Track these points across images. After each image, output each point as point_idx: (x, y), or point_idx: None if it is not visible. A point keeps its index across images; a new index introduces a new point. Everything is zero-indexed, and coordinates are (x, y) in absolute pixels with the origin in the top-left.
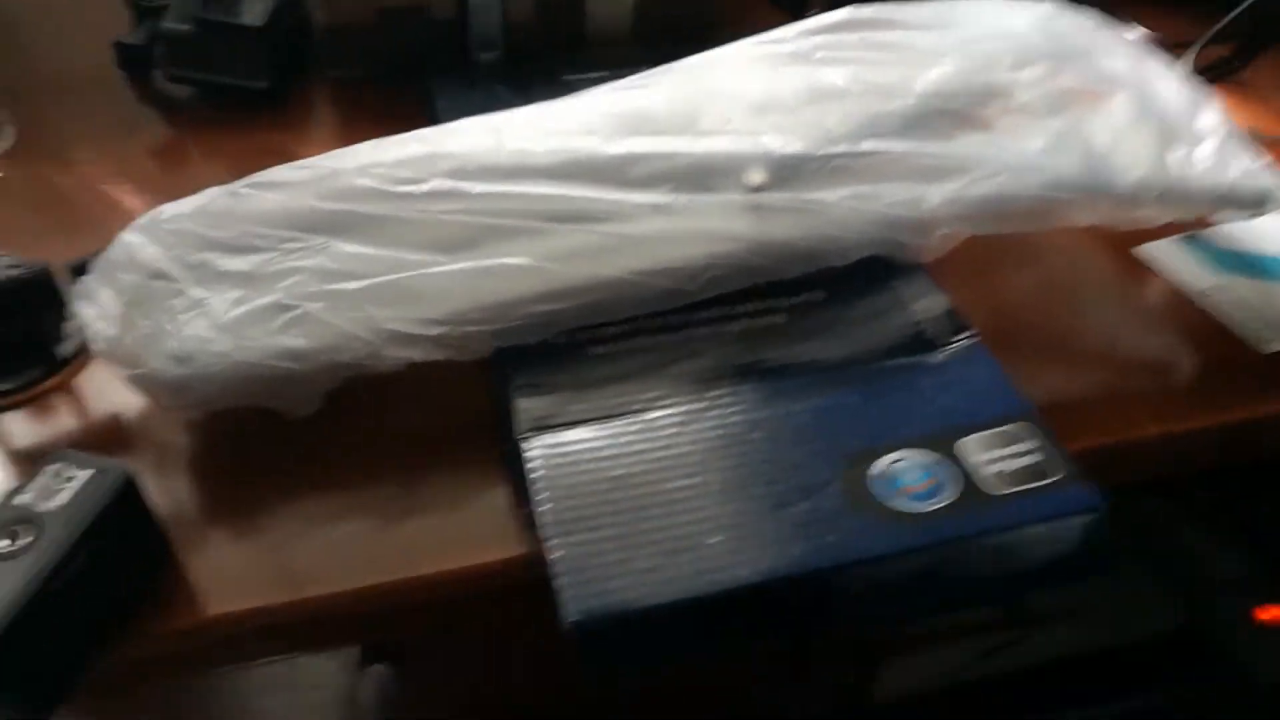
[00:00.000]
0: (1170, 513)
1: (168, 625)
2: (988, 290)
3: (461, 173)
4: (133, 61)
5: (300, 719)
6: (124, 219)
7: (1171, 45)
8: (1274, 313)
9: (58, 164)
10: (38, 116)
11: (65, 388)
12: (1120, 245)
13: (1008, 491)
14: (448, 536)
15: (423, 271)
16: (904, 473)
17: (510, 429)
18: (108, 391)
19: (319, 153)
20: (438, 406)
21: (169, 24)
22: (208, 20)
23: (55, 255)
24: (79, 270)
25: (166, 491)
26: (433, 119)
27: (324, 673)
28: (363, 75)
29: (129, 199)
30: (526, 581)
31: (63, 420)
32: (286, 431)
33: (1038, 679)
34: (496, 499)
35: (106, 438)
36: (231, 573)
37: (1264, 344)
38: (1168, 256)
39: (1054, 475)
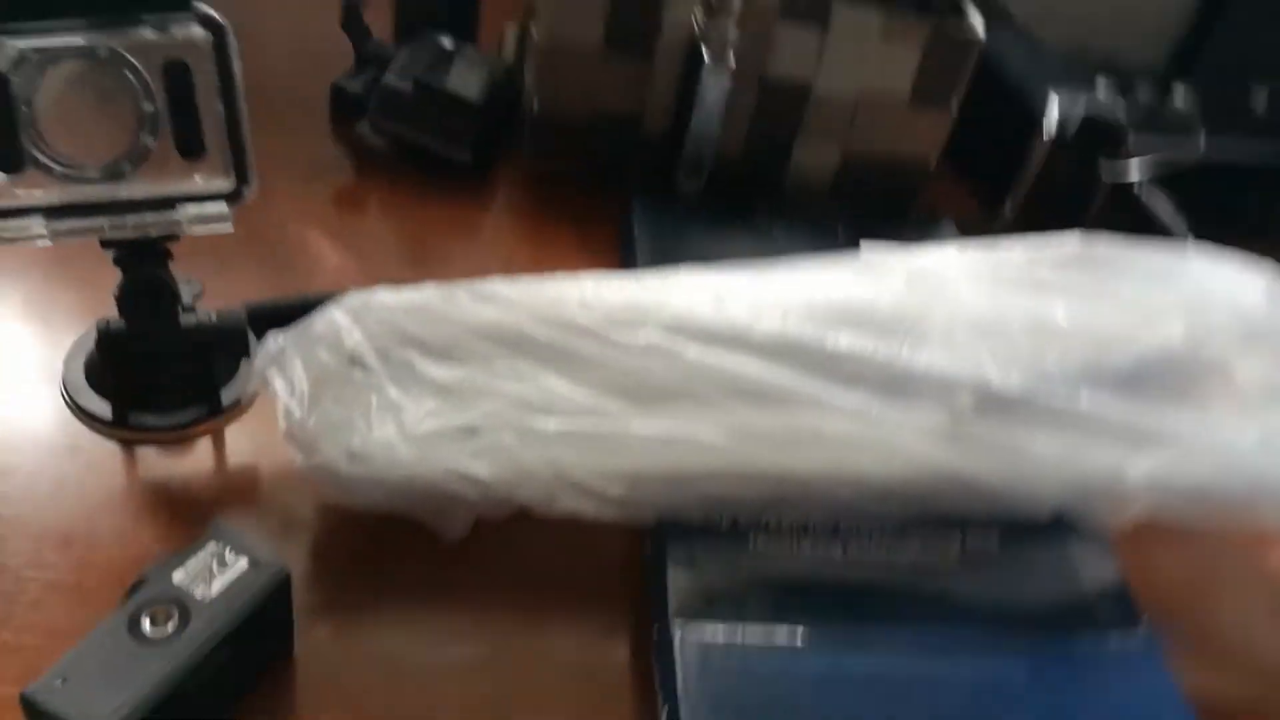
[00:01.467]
0: None
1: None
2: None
3: (678, 330)
4: (345, 106)
5: None
6: (305, 260)
7: None
8: None
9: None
10: None
11: (219, 431)
12: None
13: None
14: (554, 696)
15: (618, 426)
16: None
17: (661, 607)
18: (256, 444)
19: (500, 239)
20: (579, 551)
21: (391, 79)
22: (429, 85)
23: (227, 281)
24: (258, 316)
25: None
26: (628, 233)
27: None
28: (564, 170)
29: (312, 238)
30: None
31: (209, 464)
32: (423, 543)
33: None
34: (616, 667)
35: (242, 494)
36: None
37: None
38: None
39: None
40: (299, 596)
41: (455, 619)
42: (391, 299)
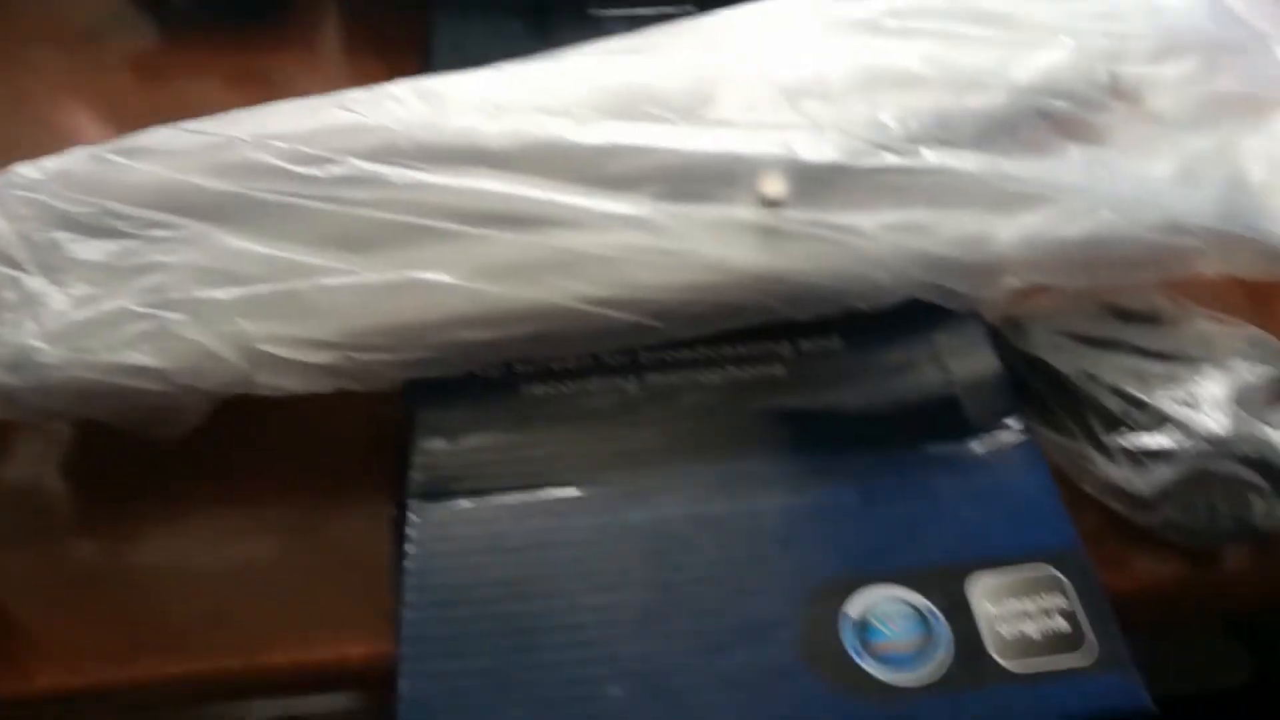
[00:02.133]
0: None
1: None
2: None
3: (386, 153)
4: None
5: None
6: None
7: None
8: None
9: (13, 65)
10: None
11: None
12: None
13: (1021, 668)
14: (323, 612)
15: (315, 282)
16: (888, 619)
17: (403, 483)
18: None
19: (318, 84)
20: (349, 430)
21: None
22: None
23: None
24: None
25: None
26: (426, 55)
27: None
28: None
29: (88, 116)
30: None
31: None
32: (157, 452)
33: None
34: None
35: None
36: (72, 632)
37: None
38: None
39: (1083, 654)
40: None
41: (189, 545)
42: (31, 172)
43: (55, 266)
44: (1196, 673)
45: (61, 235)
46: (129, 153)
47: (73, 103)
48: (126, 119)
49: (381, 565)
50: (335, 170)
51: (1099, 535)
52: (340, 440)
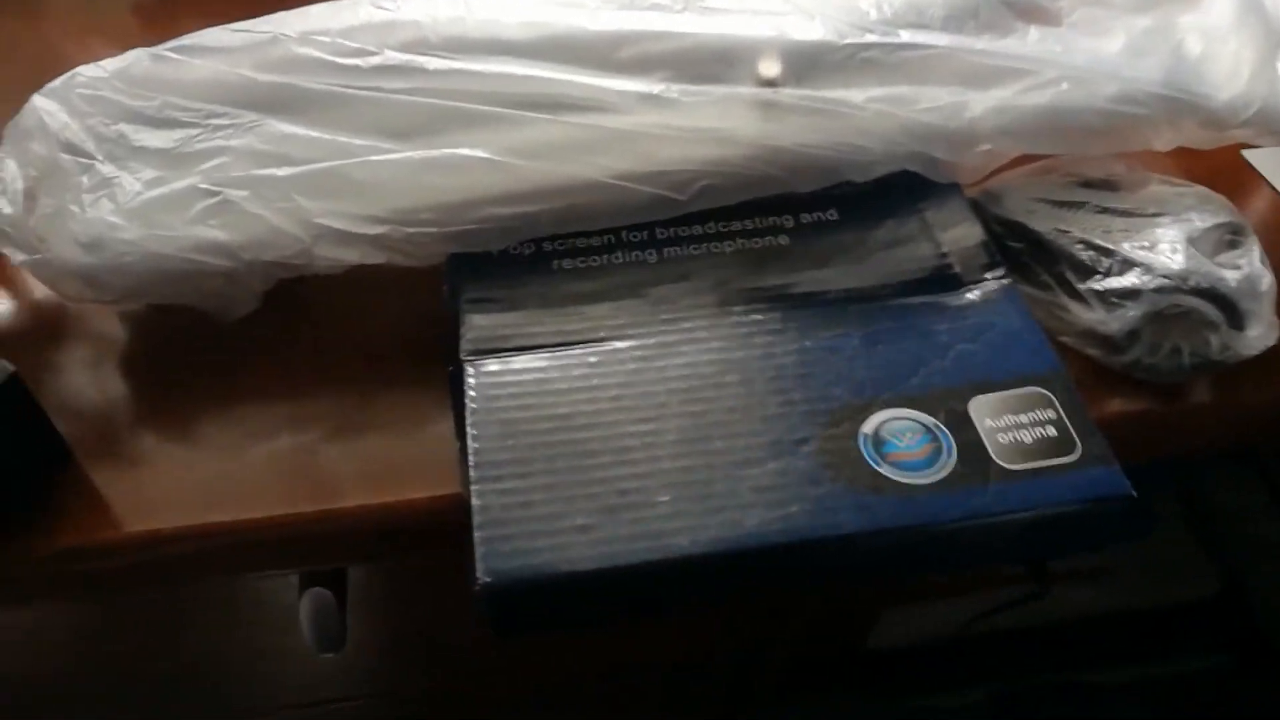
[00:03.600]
0: (1216, 475)
1: (71, 539)
2: None
3: (419, 45)
4: None
5: (238, 637)
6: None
7: None
8: None
9: (23, 14)
10: None
11: None
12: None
13: (1019, 467)
14: (386, 466)
15: (366, 160)
16: (900, 434)
17: (455, 349)
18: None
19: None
20: (394, 315)
21: None
22: None
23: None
24: None
25: (81, 393)
26: None
27: (265, 590)
28: None
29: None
30: (457, 524)
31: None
32: (222, 334)
33: (1055, 638)
34: (444, 428)
35: (23, 328)
36: (152, 488)
37: None
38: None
39: (1070, 453)
40: (98, 418)
41: (266, 412)
42: (95, 71)
43: (123, 156)
44: (1167, 584)
45: (127, 127)
46: (185, 50)
47: (88, 40)
48: None
49: (433, 427)
50: (375, 60)
51: (1080, 381)
52: (384, 325)
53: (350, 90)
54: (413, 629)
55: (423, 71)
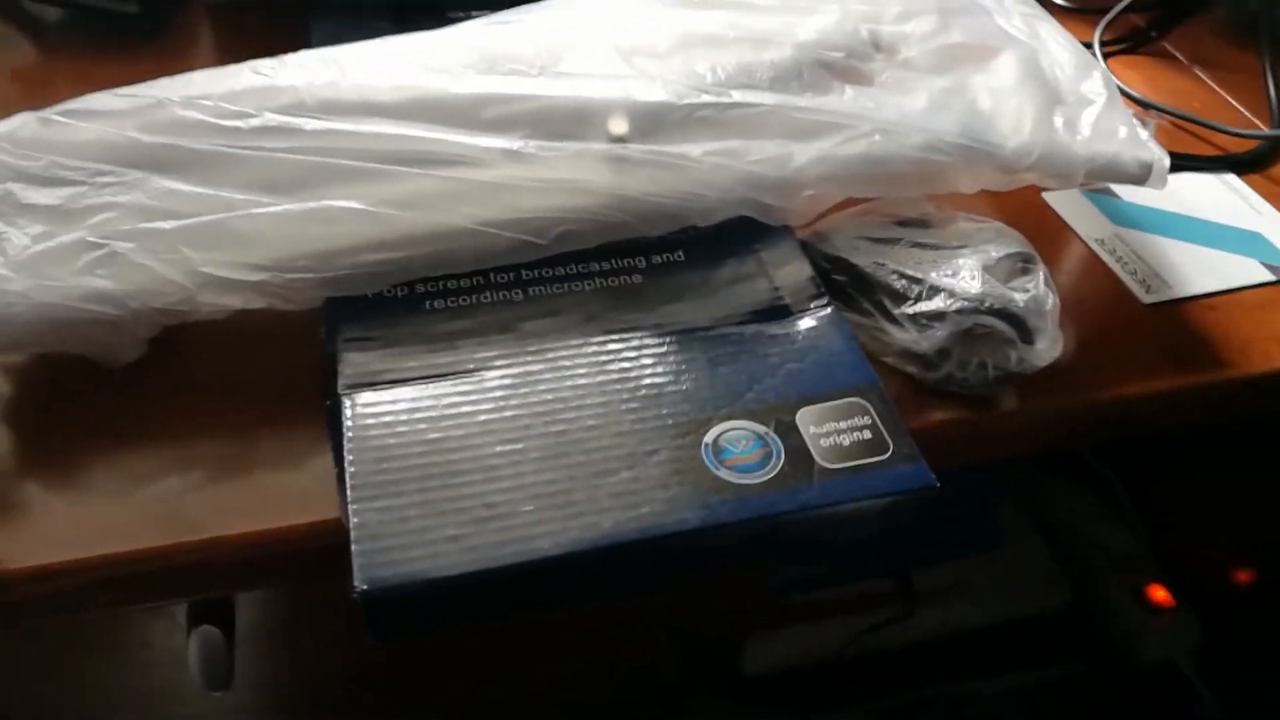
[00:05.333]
0: (1061, 489)
1: None
2: None
3: (296, 108)
4: None
5: (127, 679)
6: None
7: (1091, 11)
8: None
9: None
10: None
11: None
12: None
13: (838, 466)
14: (267, 496)
15: (248, 213)
16: (736, 441)
17: (333, 386)
18: None
19: None
20: (272, 357)
21: None
22: None
23: None
24: None
25: None
26: None
27: (153, 632)
28: (242, 3)
29: None
30: (338, 546)
31: None
32: (109, 379)
33: (924, 655)
34: (323, 461)
35: None
36: (39, 527)
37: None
38: (1071, 204)
39: (884, 453)
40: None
41: (152, 452)
42: None
43: (11, 213)
44: (1024, 596)
45: (15, 186)
46: (72, 114)
47: None
48: None
49: (313, 460)
50: (255, 122)
51: (899, 398)
52: (264, 368)
53: (232, 149)
54: (301, 666)
55: (300, 131)
